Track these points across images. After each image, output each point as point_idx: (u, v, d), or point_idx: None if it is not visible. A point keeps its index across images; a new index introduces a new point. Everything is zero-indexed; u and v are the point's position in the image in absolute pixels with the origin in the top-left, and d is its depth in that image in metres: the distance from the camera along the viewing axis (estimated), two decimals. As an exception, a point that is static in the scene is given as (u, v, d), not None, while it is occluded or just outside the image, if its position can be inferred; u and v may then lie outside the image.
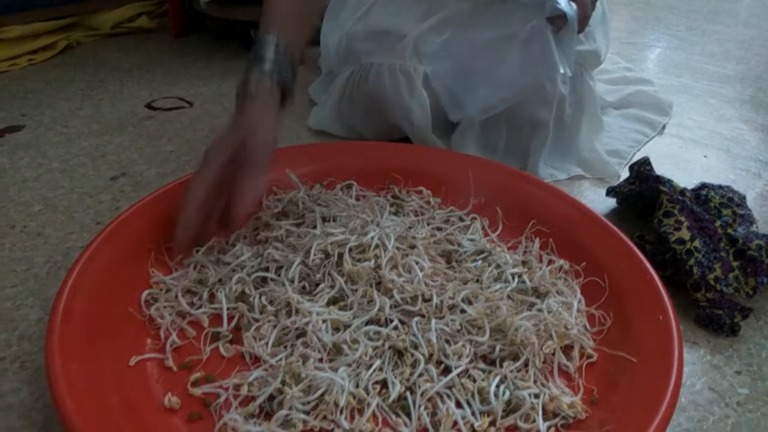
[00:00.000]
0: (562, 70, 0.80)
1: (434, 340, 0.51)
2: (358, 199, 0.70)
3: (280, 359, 0.49)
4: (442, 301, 0.55)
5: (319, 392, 0.46)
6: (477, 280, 0.59)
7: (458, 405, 0.47)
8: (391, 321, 0.54)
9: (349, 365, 0.49)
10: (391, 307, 0.54)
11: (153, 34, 1.32)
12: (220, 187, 0.58)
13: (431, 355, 0.50)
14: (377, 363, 0.49)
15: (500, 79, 0.82)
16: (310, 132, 0.93)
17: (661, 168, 0.75)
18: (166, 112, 0.97)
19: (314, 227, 0.64)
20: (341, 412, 0.46)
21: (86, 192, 0.76)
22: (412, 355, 0.50)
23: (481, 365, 0.51)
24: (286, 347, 0.51)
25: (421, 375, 0.49)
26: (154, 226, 0.60)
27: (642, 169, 0.74)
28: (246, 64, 0.63)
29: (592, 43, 0.90)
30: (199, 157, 0.59)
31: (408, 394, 0.48)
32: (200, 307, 0.55)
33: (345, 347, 0.50)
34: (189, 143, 0.88)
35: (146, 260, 0.58)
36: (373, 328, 0.52)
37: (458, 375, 0.49)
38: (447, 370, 0.50)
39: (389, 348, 0.51)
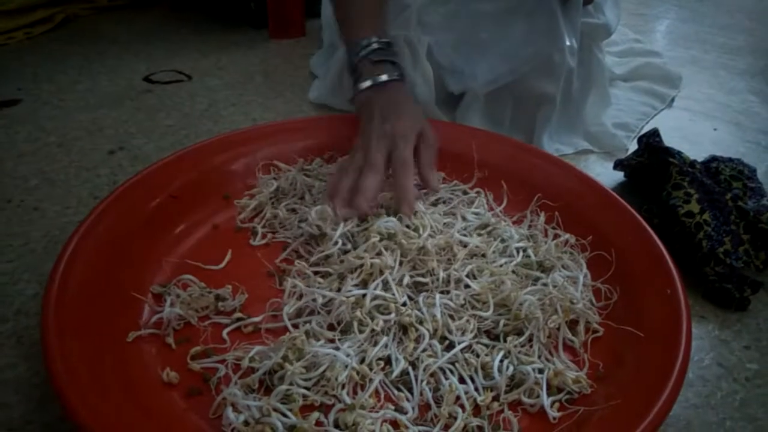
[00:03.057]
0: (568, 42, 0.78)
1: (438, 315, 0.50)
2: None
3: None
4: (449, 275, 0.54)
5: (322, 369, 0.45)
6: (482, 255, 0.58)
7: (461, 380, 0.47)
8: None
9: (356, 342, 0.48)
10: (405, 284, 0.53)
11: (151, 7, 1.29)
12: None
13: (435, 330, 0.50)
14: (384, 340, 0.49)
15: (504, 51, 0.80)
16: (311, 105, 0.91)
17: (670, 141, 0.73)
18: (164, 86, 0.95)
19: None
20: (343, 388, 0.45)
21: (83, 166, 0.74)
22: (417, 330, 0.50)
23: (485, 340, 0.50)
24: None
25: (424, 350, 0.48)
26: (151, 199, 0.59)
27: (651, 141, 0.72)
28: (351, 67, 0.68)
29: (600, 16, 0.87)
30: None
31: (410, 369, 0.47)
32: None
33: (356, 324, 0.49)
34: (187, 117, 0.87)
35: (143, 234, 0.57)
36: (382, 301, 0.51)
37: (462, 350, 0.48)
38: (451, 346, 0.49)
39: (395, 323, 0.50)
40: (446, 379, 0.46)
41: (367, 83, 0.66)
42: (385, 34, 0.68)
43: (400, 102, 0.64)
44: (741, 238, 0.62)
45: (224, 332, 0.50)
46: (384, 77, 0.65)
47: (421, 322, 0.50)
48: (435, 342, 0.49)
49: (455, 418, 0.43)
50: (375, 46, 0.66)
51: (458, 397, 0.45)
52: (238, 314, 0.52)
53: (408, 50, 0.81)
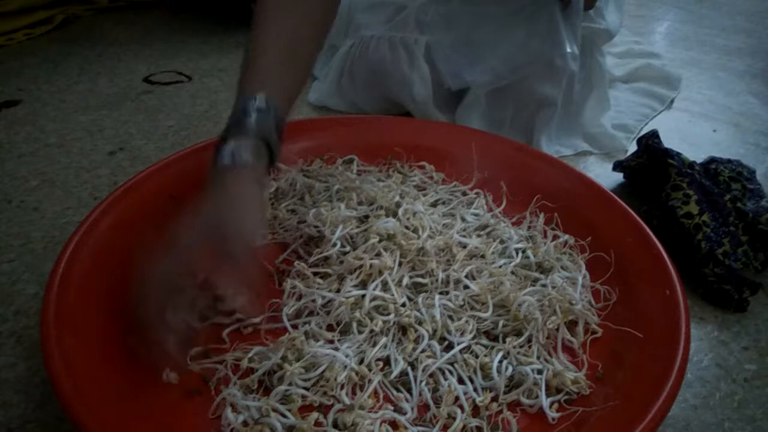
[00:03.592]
0: (569, 48, 0.78)
1: (438, 316, 0.50)
2: (359, 174, 0.69)
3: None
4: (448, 276, 0.54)
5: (321, 369, 0.46)
6: (481, 256, 0.58)
7: (460, 381, 0.47)
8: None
9: (355, 342, 0.48)
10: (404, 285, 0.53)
11: (151, 8, 1.29)
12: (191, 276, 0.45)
13: (435, 331, 0.50)
14: (383, 340, 0.49)
15: (504, 54, 0.80)
16: (310, 107, 0.91)
17: (669, 142, 0.73)
18: (164, 87, 0.95)
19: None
20: (342, 388, 0.45)
21: (84, 167, 0.75)
22: (416, 330, 0.50)
23: (484, 341, 0.50)
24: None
25: (423, 351, 0.48)
26: (151, 200, 0.59)
27: (650, 142, 0.72)
28: (225, 126, 0.52)
29: (601, 20, 0.87)
30: (168, 237, 0.46)
31: (409, 369, 0.47)
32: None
33: (355, 324, 0.50)
34: (188, 118, 0.87)
35: (143, 234, 0.57)
36: (381, 302, 0.51)
37: (461, 351, 0.48)
38: (450, 346, 0.49)
39: (394, 324, 0.50)
40: (445, 379, 0.46)
41: (224, 161, 0.49)
42: (285, 100, 0.55)
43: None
44: (740, 239, 0.62)
45: (224, 333, 0.50)
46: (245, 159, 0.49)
47: (420, 323, 0.50)
48: (434, 342, 0.49)
49: (454, 419, 0.43)
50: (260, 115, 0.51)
51: (457, 398, 0.45)
52: (238, 315, 0.52)
53: (405, 52, 0.81)
